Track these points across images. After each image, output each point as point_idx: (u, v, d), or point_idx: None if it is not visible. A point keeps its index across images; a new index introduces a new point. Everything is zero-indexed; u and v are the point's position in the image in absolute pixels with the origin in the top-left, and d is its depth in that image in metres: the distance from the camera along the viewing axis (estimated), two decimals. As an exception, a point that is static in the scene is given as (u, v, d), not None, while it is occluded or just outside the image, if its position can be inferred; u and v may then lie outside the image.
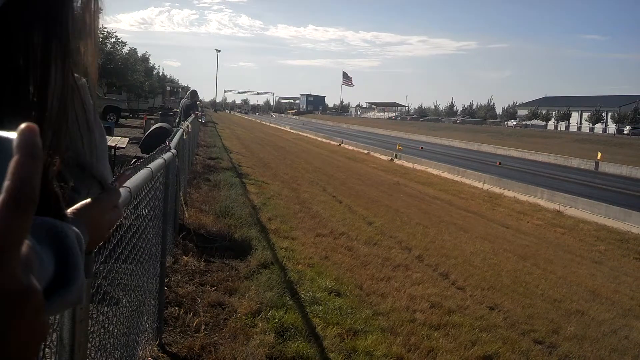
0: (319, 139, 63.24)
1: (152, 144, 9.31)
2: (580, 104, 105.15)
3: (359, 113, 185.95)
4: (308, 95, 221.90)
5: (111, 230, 0.96)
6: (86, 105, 0.86)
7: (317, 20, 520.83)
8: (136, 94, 45.44)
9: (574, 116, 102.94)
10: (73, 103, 0.79)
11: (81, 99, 0.83)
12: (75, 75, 0.80)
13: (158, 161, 3.88)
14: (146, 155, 4.26)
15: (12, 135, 0.48)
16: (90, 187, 0.87)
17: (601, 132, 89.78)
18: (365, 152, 48.30)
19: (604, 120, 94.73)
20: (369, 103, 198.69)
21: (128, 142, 13.43)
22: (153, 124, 19.07)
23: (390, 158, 43.92)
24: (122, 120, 31.56)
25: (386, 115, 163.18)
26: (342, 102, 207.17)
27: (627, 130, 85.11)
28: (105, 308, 2.40)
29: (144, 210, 3.61)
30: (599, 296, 10.43)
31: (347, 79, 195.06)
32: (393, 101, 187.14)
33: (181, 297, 5.07)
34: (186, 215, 8.02)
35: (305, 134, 69.65)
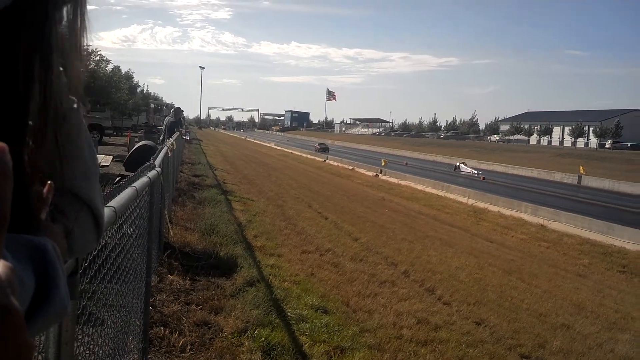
0: (304, 155, 63.35)
1: (136, 161, 9.27)
2: (562, 118, 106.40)
3: (343, 129, 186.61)
4: (292, 112, 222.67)
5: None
6: (77, 128, 0.85)
7: (299, 37, 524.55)
8: (120, 111, 45.25)
9: (556, 131, 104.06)
10: (58, 122, 0.78)
11: (73, 121, 0.83)
12: (71, 97, 0.80)
13: (143, 179, 3.85)
14: (130, 174, 4.25)
15: None
16: (79, 212, 0.86)
17: (583, 146, 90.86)
18: (350, 168, 48.46)
19: (586, 135, 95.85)
20: (353, 119, 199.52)
21: (112, 160, 13.37)
22: (137, 142, 19.02)
23: (375, 174, 44.13)
24: (105, 138, 31.42)
25: (370, 131, 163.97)
26: (326, 118, 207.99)
27: (608, 144, 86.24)
28: (91, 329, 2.37)
29: (129, 229, 3.58)
30: (584, 310, 10.49)
31: (330, 94, 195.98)
32: (377, 117, 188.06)
33: (166, 317, 5.02)
34: (171, 233, 7.97)
35: (290, 151, 69.76)
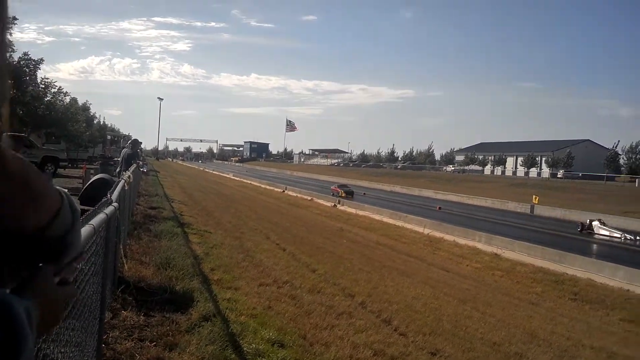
0: (263, 185, 63.21)
1: (92, 195, 9.15)
2: (515, 149, 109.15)
3: (302, 160, 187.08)
4: (252, 143, 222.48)
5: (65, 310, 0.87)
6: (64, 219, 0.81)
7: (260, 68, 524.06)
8: (76, 143, 44.54)
9: (510, 161, 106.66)
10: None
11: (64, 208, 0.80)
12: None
13: (100, 216, 3.85)
14: (86, 207, 4.23)
15: None
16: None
17: (536, 176, 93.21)
18: (309, 198, 48.56)
19: (539, 165, 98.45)
20: (312, 150, 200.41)
21: (66, 193, 13.08)
22: (92, 174, 18.73)
23: (333, 204, 44.32)
24: (60, 171, 30.75)
25: (329, 161, 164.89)
26: (285, 149, 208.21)
27: (560, 174, 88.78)
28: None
29: (85, 267, 3.57)
30: (536, 338, 10.73)
31: (290, 125, 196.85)
32: (336, 148, 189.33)
33: (119, 354, 4.95)
34: (126, 267, 7.87)
35: (249, 181, 69.51)
